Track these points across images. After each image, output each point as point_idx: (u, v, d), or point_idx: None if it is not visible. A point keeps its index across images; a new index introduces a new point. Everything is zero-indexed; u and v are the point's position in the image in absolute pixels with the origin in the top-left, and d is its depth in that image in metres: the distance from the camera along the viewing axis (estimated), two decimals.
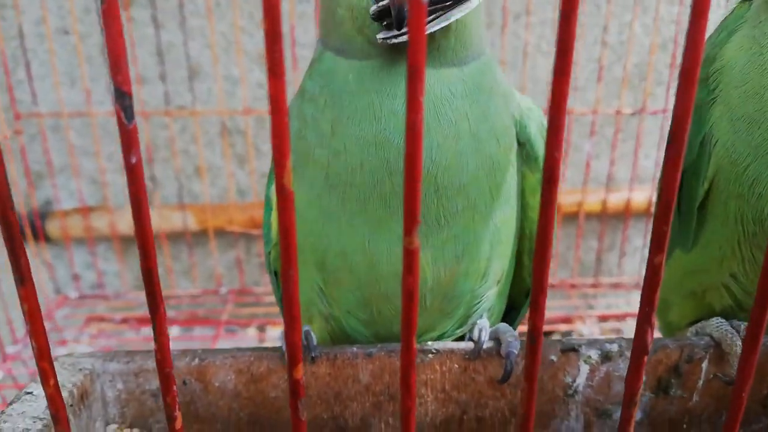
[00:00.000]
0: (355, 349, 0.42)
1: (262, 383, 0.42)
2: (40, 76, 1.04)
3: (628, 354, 0.43)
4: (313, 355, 0.42)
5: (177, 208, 1.10)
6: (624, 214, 1.12)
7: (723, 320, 0.45)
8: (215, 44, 1.03)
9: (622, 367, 0.42)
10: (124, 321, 1.07)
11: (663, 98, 1.07)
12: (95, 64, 1.04)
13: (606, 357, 0.42)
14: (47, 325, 0.59)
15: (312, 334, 0.43)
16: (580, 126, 1.10)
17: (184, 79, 1.06)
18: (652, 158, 1.13)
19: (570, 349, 0.42)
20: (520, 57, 1.06)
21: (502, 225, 0.44)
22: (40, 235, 1.09)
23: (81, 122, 1.07)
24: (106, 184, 1.09)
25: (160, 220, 1.10)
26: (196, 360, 0.41)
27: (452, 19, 0.38)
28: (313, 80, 0.42)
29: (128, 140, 0.21)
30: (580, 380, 0.42)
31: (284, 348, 0.42)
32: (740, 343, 0.42)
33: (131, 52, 1.02)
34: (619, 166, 1.12)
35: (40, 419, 0.34)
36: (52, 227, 1.10)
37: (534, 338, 0.23)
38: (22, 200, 1.07)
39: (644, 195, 1.12)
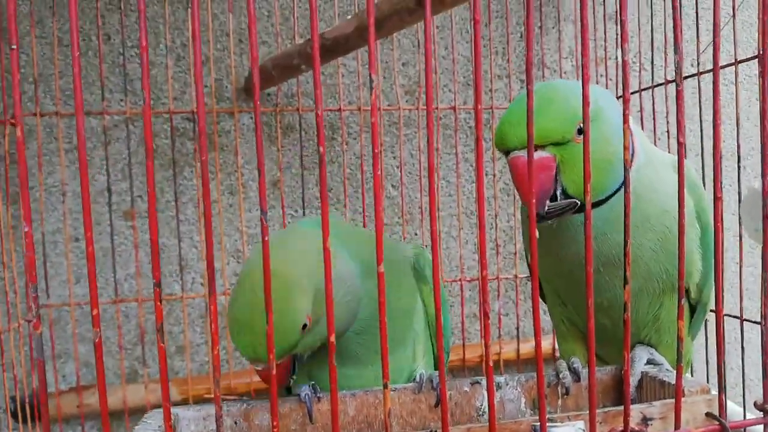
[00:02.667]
0: (344, 391, 0.65)
1: (286, 419, 0.63)
2: (52, 275, 1.27)
3: (511, 383, 0.67)
4: (319, 396, 0.65)
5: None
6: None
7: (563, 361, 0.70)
8: (202, 244, 1.31)
9: (508, 392, 0.66)
10: None
11: None
12: (100, 264, 1.29)
13: (497, 387, 0.66)
14: None
15: (317, 386, 0.66)
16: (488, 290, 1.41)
17: (173, 272, 1.32)
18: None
19: (476, 383, 0.67)
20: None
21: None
22: (36, 415, 1.22)
23: (81, 312, 1.28)
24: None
25: (147, 393, 1.26)
26: (244, 405, 0.63)
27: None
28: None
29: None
30: (485, 404, 0.66)
31: (301, 395, 0.64)
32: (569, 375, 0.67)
33: (134, 253, 1.28)
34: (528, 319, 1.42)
35: None
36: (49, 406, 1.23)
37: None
38: (25, 383, 1.22)
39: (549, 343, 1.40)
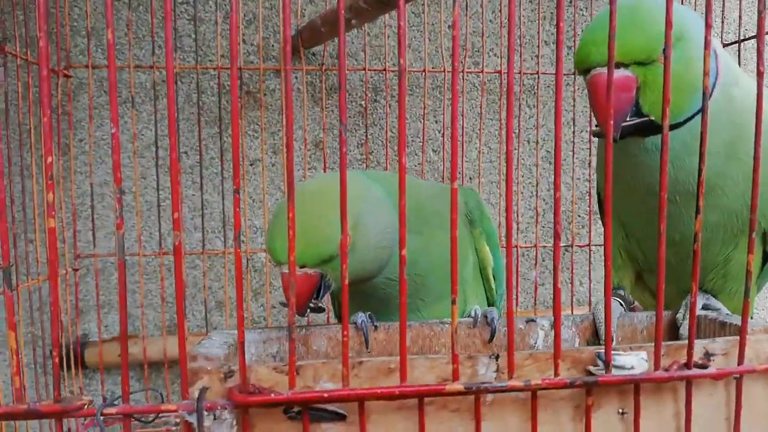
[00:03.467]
0: (397, 323, 0.66)
1: (342, 346, 0.64)
2: (99, 226, 1.30)
3: (566, 323, 0.67)
4: (375, 325, 0.65)
5: (201, 335, 1.30)
6: None
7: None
8: (245, 202, 1.33)
9: (563, 332, 0.66)
10: None
11: (586, 236, 1.41)
12: (145, 218, 1.31)
13: (552, 325, 0.66)
14: None
15: (373, 316, 0.66)
16: (526, 259, 1.41)
17: (216, 228, 1.34)
18: (585, 285, 1.43)
19: (531, 321, 0.67)
20: None
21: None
22: (79, 363, 1.25)
23: (128, 262, 1.31)
24: (143, 316, 1.29)
25: (188, 345, 1.28)
26: (303, 331, 0.64)
27: None
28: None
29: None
30: (540, 341, 0.66)
31: (358, 322, 0.65)
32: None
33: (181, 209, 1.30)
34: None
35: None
36: (90, 354, 1.27)
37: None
38: (70, 330, 1.25)
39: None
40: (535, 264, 1.38)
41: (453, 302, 0.46)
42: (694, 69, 0.56)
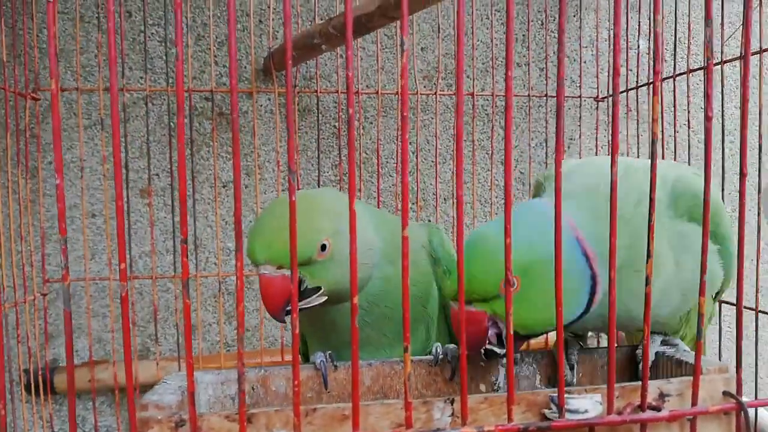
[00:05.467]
0: (361, 362, 0.65)
1: (302, 387, 0.63)
2: (69, 250, 1.28)
3: (527, 359, 0.67)
4: (335, 364, 0.65)
5: (173, 360, 1.29)
6: None
7: None
8: (217, 224, 1.32)
9: (524, 369, 0.66)
10: None
11: None
12: (114, 241, 1.30)
13: (514, 362, 0.66)
14: None
15: (333, 355, 0.66)
16: None
17: (188, 250, 1.32)
18: None
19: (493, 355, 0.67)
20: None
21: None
22: (48, 388, 1.23)
23: (95, 288, 1.29)
24: (113, 341, 1.27)
25: (158, 370, 1.27)
26: (262, 371, 0.63)
27: None
28: None
29: None
30: (501, 378, 0.66)
31: (317, 362, 0.65)
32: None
33: (150, 230, 1.29)
34: None
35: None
36: (60, 380, 1.25)
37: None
38: (39, 355, 1.23)
39: None
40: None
41: (405, 350, 0.46)
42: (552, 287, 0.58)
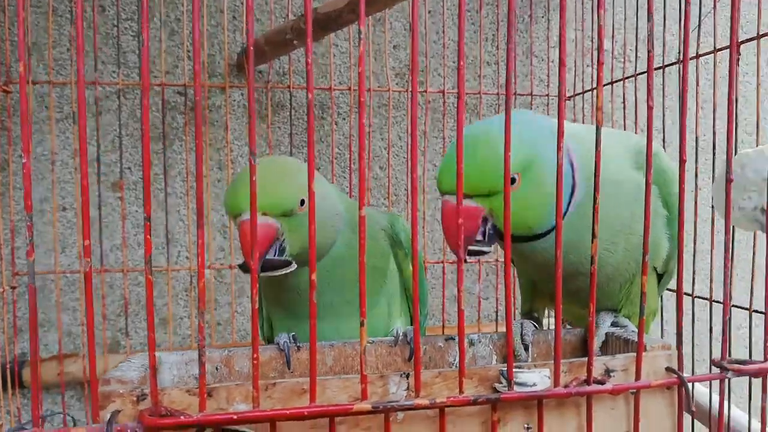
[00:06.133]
0: (323, 342, 0.67)
1: (265, 367, 0.65)
2: (38, 243, 1.28)
3: (483, 341, 0.70)
4: (298, 345, 0.67)
5: (143, 353, 1.29)
6: None
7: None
8: (188, 218, 1.32)
9: (481, 349, 0.69)
10: None
11: None
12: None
13: (470, 343, 0.69)
14: None
15: (297, 336, 0.68)
16: (471, 273, 1.44)
17: (160, 244, 1.33)
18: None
19: (450, 339, 0.69)
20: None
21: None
22: (17, 382, 1.23)
23: (65, 281, 1.29)
24: (83, 334, 1.27)
25: None
26: (226, 352, 0.65)
27: None
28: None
29: None
30: (458, 358, 0.68)
31: (280, 343, 0.66)
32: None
33: (121, 224, 1.29)
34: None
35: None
36: (28, 373, 1.24)
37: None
38: (7, 349, 1.22)
39: None
40: (479, 278, 1.41)
41: (362, 324, 0.48)
42: (546, 189, 0.60)
